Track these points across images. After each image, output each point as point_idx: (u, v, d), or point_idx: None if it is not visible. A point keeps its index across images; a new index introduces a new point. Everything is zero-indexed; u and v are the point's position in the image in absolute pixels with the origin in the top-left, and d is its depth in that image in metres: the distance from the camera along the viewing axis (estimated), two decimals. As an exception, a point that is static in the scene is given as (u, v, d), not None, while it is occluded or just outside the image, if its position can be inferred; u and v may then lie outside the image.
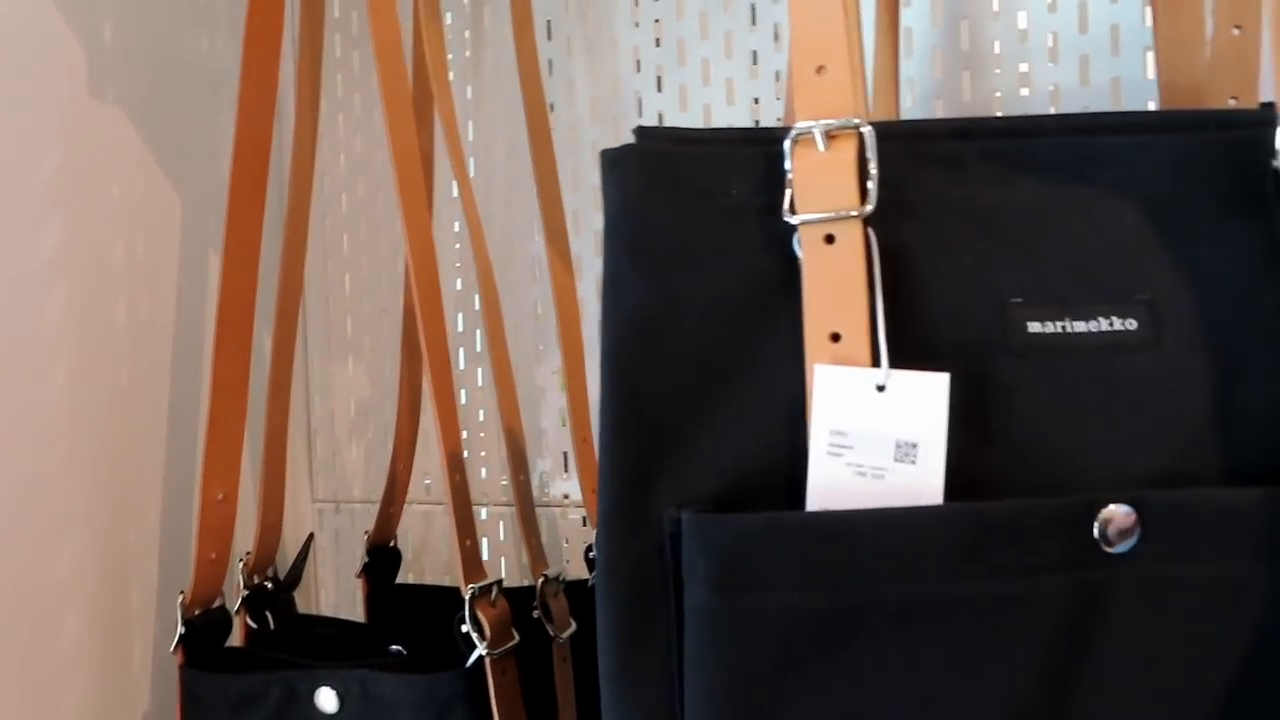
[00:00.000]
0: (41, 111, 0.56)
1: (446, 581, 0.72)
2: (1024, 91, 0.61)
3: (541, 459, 0.72)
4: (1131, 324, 0.35)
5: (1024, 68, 0.61)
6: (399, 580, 0.71)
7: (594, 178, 0.69)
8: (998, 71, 0.61)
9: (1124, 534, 0.32)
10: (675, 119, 0.68)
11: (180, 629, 0.55)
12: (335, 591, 0.78)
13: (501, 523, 0.74)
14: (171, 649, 0.55)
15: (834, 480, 0.32)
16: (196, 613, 0.56)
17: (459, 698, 0.49)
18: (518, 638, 0.52)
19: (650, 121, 0.69)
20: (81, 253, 0.58)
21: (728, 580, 0.32)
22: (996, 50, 0.61)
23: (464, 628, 0.50)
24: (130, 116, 0.61)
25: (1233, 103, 0.46)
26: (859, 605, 0.32)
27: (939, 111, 0.63)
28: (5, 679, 0.52)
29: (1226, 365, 0.35)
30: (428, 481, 0.75)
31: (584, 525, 0.70)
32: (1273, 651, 0.33)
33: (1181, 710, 0.33)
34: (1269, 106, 0.38)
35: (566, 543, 0.70)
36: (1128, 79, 0.58)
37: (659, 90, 0.69)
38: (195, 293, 0.65)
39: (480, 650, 0.49)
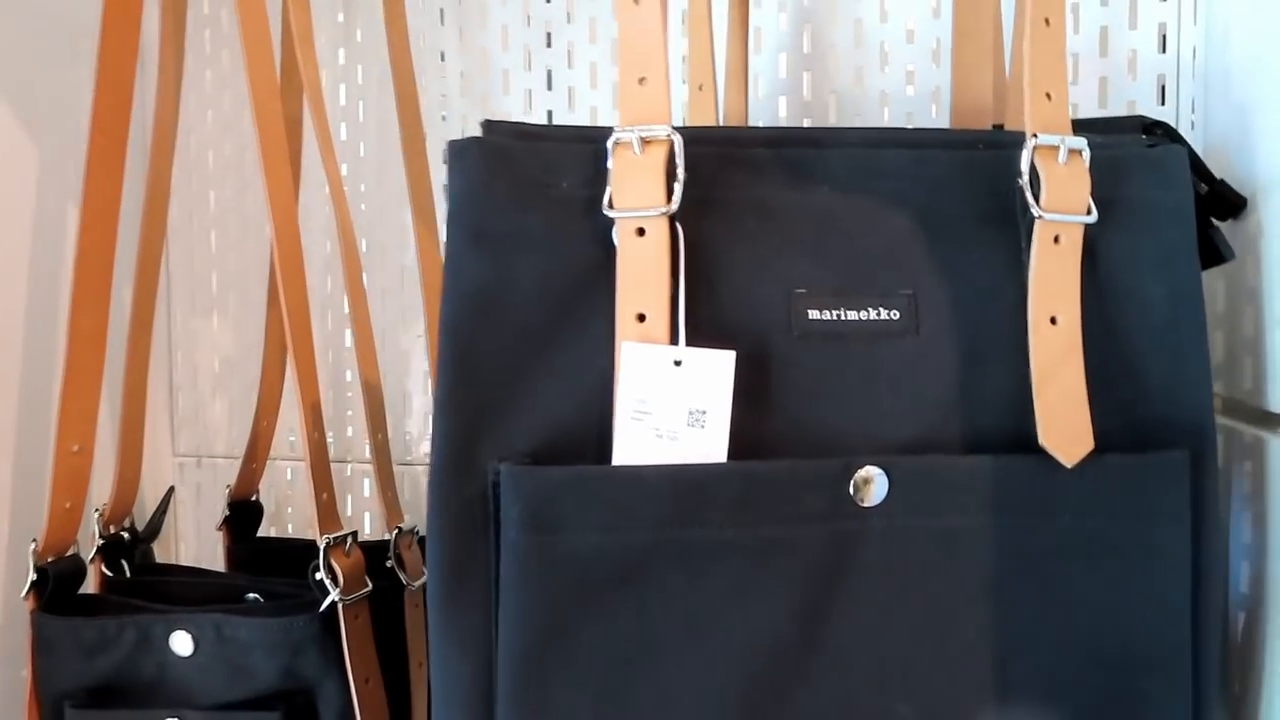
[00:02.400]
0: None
1: (310, 536, 0.77)
2: (856, 92, 0.69)
3: (407, 420, 0.76)
4: (895, 314, 0.42)
5: (858, 71, 0.68)
6: (261, 534, 0.75)
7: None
8: (835, 73, 0.68)
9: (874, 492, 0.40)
10: (541, 99, 0.73)
11: (31, 575, 0.57)
12: (196, 544, 0.81)
13: (366, 480, 0.78)
14: (22, 595, 0.57)
15: (636, 441, 0.38)
16: (49, 560, 0.58)
17: (312, 640, 0.53)
18: (370, 585, 0.56)
19: (518, 100, 0.74)
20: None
21: (537, 522, 0.38)
22: (835, 54, 0.68)
23: (318, 575, 0.54)
24: (-15, 65, 0.62)
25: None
26: (646, 546, 0.38)
27: (782, 106, 0.70)
28: None
29: (972, 352, 0.42)
30: (292, 439, 0.78)
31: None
32: (994, 584, 0.41)
33: (919, 636, 0.41)
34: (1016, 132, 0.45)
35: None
36: (946, 86, 0.66)
37: (528, 69, 0.73)
38: (53, 246, 0.67)
39: (333, 596, 0.53)
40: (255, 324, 0.77)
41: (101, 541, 0.63)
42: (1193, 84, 0.64)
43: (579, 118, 0.72)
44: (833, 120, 0.68)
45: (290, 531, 0.79)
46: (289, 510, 0.79)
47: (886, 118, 0.68)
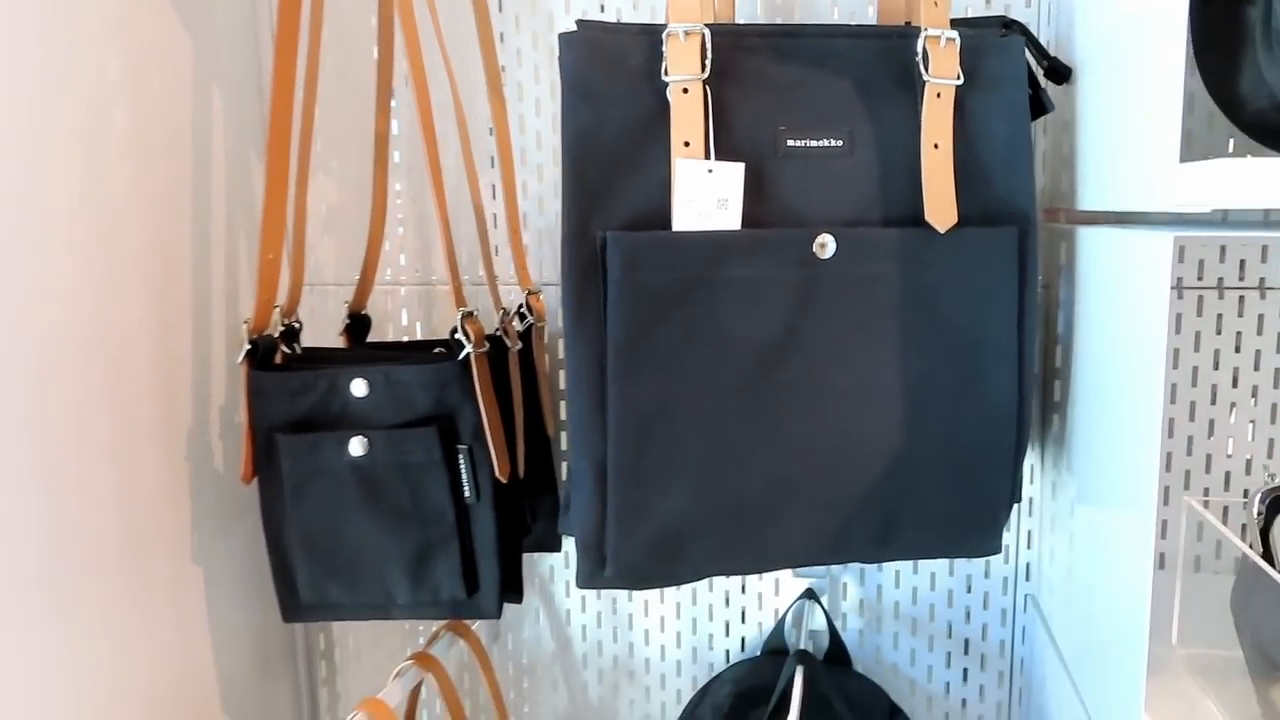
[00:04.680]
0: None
1: (404, 339, 0.99)
2: (816, -3, 0.89)
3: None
4: (840, 143, 0.65)
5: (816, -19, 0.89)
6: (368, 340, 0.97)
7: (517, 43, 0.94)
8: (799, -18, 0.89)
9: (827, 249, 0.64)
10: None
11: (246, 345, 0.77)
12: (317, 348, 1.02)
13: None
14: (239, 360, 0.78)
15: (686, 217, 0.61)
16: (256, 336, 0.79)
17: (454, 379, 0.74)
18: (488, 346, 0.79)
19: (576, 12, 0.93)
20: (137, 80, 0.78)
21: (628, 266, 0.61)
22: (799, -33, 0.89)
23: (457, 335, 0.75)
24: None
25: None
26: (693, 279, 0.61)
27: (759, 7, 0.91)
28: (94, 395, 0.72)
29: (887, 166, 0.65)
30: (389, 274, 1.00)
31: (511, 297, 0.98)
32: (898, 306, 0.64)
33: (853, 336, 0.65)
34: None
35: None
36: (878, -6, 0.87)
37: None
38: (257, 128, 0.86)
39: (468, 349, 0.75)
40: (353, 178, 0.97)
41: (282, 328, 0.84)
42: (1052, -9, 0.86)
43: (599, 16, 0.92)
44: (797, 18, 0.90)
45: (388, 337, 1.01)
46: (385, 324, 1.01)
47: (836, 16, 0.89)
